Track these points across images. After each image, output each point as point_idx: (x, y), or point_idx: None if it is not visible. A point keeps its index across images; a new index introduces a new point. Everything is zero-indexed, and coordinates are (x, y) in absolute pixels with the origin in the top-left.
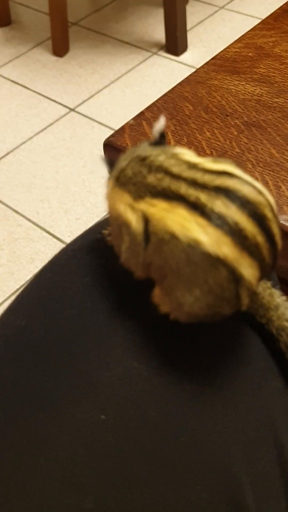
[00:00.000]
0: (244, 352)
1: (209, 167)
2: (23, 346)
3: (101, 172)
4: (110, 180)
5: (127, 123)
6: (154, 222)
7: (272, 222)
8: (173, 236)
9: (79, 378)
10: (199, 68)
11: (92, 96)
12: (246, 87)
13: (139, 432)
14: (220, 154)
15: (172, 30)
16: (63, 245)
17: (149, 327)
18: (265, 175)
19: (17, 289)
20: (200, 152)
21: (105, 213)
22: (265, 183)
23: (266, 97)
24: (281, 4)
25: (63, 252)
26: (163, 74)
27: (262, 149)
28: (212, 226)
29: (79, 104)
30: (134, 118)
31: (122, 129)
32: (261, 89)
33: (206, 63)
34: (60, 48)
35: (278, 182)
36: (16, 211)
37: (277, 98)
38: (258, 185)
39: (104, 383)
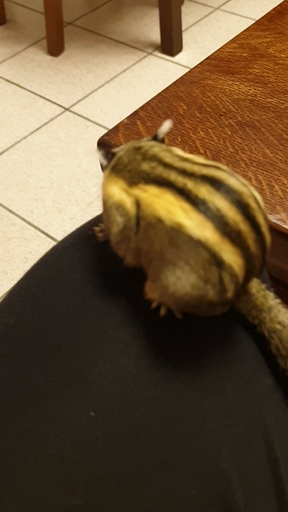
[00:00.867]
0: (233, 350)
1: (199, 161)
2: (12, 344)
3: (96, 171)
4: (107, 169)
5: (121, 122)
6: (144, 207)
7: (256, 211)
8: (159, 220)
9: (68, 375)
10: (193, 68)
11: (87, 96)
12: (240, 87)
13: (128, 429)
14: (214, 153)
15: (167, 30)
16: None
17: (139, 324)
18: (258, 175)
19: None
20: (194, 151)
21: (99, 213)
22: (259, 183)
23: (260, 97)
24: (276, 5)
25: (54, 250)
26: (158, 75)
27: (255, 149)
28: (195, 211)
29: (74, 104)
30: (128, 117)
31: (116, 128)
32: (255, 89)
33: (201, 63)
34: (55, 48)
35: (271, 181)
36: (10, 211)
37: (270, 98)
38: (244, 180)
39: (93, 380)
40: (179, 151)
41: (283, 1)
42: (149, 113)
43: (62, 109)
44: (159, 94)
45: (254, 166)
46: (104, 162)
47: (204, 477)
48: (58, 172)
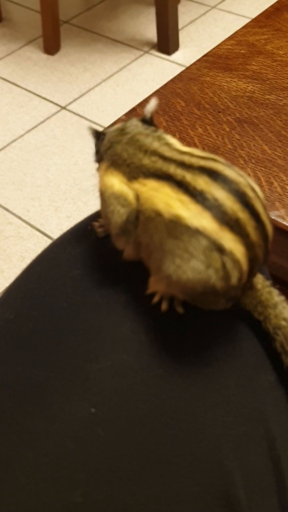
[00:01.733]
0: (234, 346)
1: (196, 153)
2: (12, 340)
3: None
4: (104, 162)
5: (119, 118)
6: (143, 201)
7: (254, 200)
8: (158, 213)
9: (68, 371)
10: (191, 65)
11: (83, 95)
12: (238, 84)
13: (129, 426)
14: (213, 150)
15: (164, 29)
16: None
17: (139, 320)
18: (257, 171)
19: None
20: (193, 148)
21: (97, 209)
22: (257, 179)
23: (258, 94)
24: (272, 3)
25: (52, 246)
26: (154, 73)
27: (254, 145)
28: (193, 202)
29: (70, 102)
30: (126, 114)
31: (113, 124)
32: (253, 86)
33: (198, 60)
34: (51, 46)
35: (270, 178)
36: (6, 209)
37: (269, 95)
38: (241, 171)
39: (94, 376)
40: (176, 145)
41: None
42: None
43: (59, 108)
44: (157, 91)
45: (252, 163)
46: (95, 143)
47: (206, 474)
48: (55, 170)
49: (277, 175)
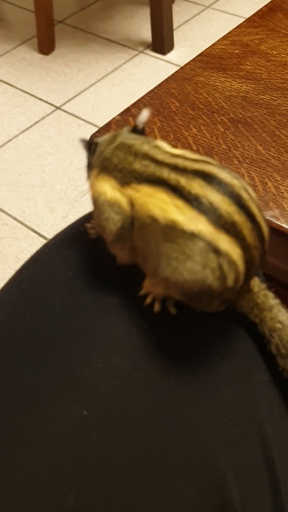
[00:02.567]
0: (227, 347)
1: (189, 156)
2: (4, 342)
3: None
4: (94, 168)
5: (113, 119)
6: (138, 207)
7: (249, 202)
8: (154, 219)
9: (61, 373)
10: (185, 65)
11: (78, 95)
12: (232, 84)
13: (122, 427)
14: (207, 150)
15: (158, 29)
16: None
17: (132, 322)
18: (251, 172)
19: None
20: (187, 148)
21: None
22: (252, 180)
23: (252, 94)
24: (266, 3)
25: (45, 247)
26: (149, 73)
27: (248, 145)
28: (188, 207)
29: (65, 103)
30: (120, 114)
31: (108, 125)
32: (247, 86)
33: (192, 60)
34: (46, 47)
35: (264, 178)
36: (1, 210)
37: (263, 95)
38: (234, 173)
39: (87, 378)
40: (166, 147)
41: None
42: (141, 110)
43: (53, 108)
44: (151, 91)
45: (247, 163)
46: (87, 154)
47: (200, 475)
48: (50, 171)
49: (271, 175)
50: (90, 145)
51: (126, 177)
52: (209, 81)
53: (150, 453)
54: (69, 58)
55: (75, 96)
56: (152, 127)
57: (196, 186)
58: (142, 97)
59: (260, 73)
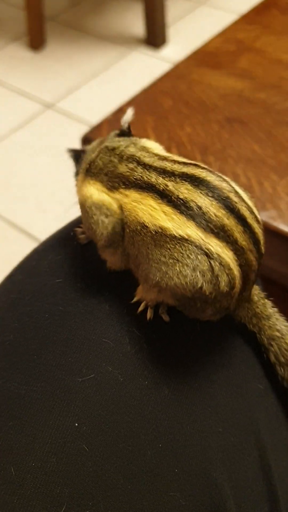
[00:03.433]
0: (223, 355)
1: (177, 159)
2: None
3: None
4: (80, 173)
5: (106, 118)
6: (127, 213)
7: (238, 204)
8: (144, 226)
9: (51, 384)
10: (179, 63)
11: (70, 93)
12: (227, 82)
13: (115, 439)
14: (201, 149)
15: (152, 25)
16: None
17: (123, 330)
18: (247, 172)
19: None
20: (181, 147)
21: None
22: (248, 180)
23: (248, 92)
24: (262, 0)
25: (34, 253)
26: (142, 70)
27: (244, 145)
28: (176, 213)
29: (57, 101)
30: (112, 113)
31: (100, 124)
32: (242, 83)
33: (186, 58)
34: (36, 44)
35: (260, 178)
36: None
37: (258, 92)
38: (224, 176)
39: (77, 389)
40: (155, 150)
41: None
42: (134, 109)
43: (45, 106)
44: (145, 89)
45: (242, 163)
46: (74, 164)
47: (194, 487)
48: (42, 170)
49: (267, 176)
50: (79, 155)
51: (113, 181)
52: (203, 79)
53: (143, 466)
54: (61, 55)
55: (67, 94)
56: (146, 127)
57: (184, 191)
58: (135, 96)
59: (255, 70)
